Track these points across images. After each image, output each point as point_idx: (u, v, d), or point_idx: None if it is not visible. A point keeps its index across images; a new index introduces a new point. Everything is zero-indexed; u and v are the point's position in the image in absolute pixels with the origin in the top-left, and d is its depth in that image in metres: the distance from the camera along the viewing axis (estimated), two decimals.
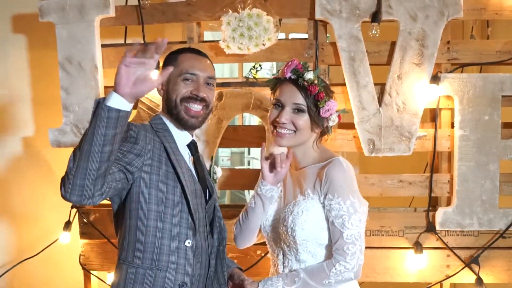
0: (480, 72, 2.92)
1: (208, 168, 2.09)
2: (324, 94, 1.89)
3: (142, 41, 2.73)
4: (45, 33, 3.05)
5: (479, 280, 2.67)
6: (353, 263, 1.83)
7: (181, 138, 1.94)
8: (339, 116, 2.01)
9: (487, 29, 3.18)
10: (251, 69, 2.56)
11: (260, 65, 2.55)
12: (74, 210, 2.88)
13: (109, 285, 2.92)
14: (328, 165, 1.86)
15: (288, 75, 1.92)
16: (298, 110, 1.89)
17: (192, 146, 1.97)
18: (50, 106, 3.13)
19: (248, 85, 2.74)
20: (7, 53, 3.24)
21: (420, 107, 2.62)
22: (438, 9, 2.58)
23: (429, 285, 2.76)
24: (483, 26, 3.27)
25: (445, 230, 2.68)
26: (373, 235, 2.73)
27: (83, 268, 2.92)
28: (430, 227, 2.69)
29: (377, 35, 2.62)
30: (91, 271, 2.93)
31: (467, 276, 2.71)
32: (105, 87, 2.79)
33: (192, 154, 1.97)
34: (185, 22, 2.77)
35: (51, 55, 3.03)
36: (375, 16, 2.59)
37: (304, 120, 1.90)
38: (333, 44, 2.67)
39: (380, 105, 2.63)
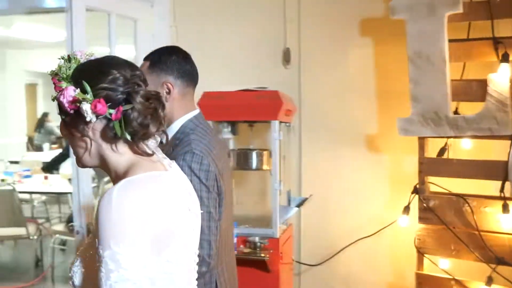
0: None
1: None
2: (57, 81, 1.33)
3: (491, 36, 2.80)
4: (387, 32, 3.38)
5: None
6: None
7: None
8: (95, 106, 1.27)
9: None
10: None
11: None
12: (413, 195, 3.11)
13: (441, 269, 3.05)
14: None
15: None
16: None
17: None
18: (393, 99, 3.43)
19: None
20: (354, 54, 3.64)
21: None
22: None
23: None
24: None
25: None
26: None
27: (418, 251, 3.09)
28: None
29: None
30: (425, 255, 3.09)
31: None
32: (451, 80, 2.92)
33: None
34: None
35: (393, 52, 3.36)
36: None
37: (61, 124, 1.39)
38: None
39: None
